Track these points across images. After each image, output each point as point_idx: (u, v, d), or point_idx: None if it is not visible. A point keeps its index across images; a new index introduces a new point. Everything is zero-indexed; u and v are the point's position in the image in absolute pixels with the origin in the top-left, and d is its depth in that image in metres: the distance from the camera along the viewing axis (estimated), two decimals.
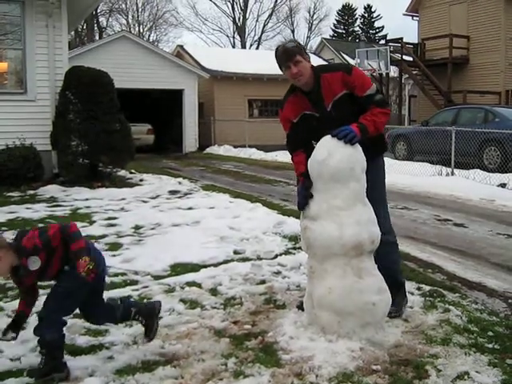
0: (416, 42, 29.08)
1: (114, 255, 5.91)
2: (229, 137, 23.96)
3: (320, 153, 3.75)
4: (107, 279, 5.02)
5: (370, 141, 3.87)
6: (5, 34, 11.74)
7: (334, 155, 3.66)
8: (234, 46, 52.87)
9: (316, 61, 29.07)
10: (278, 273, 5.27)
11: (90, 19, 45.13)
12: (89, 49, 22.00)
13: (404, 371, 3.35)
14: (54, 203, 9.12)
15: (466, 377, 3.30)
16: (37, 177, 10.71)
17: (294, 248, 6.15)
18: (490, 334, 3.91)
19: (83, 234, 6.64)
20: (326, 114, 3.98)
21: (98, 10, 47.27)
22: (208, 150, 23.84)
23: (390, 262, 4.20)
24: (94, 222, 7.64)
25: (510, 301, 4.82)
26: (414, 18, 30.20)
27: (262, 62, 26.59)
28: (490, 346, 3.72)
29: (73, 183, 10.64)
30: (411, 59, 27.31)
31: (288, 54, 4.05)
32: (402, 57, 26.83)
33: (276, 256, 5.88)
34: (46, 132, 11.01)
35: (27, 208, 8.63)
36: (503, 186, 11.31)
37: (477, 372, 3.35)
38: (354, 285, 3.68)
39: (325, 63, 29.32)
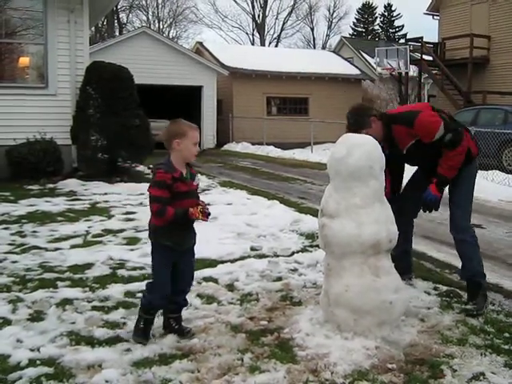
0: (436, 41, 28.84)
1: (132, 249, 5.96)
2: (247, 134, 23.98)
3: (339, 151, 3.76)
4: (125, 273, 5.11)
5: None
6: (26, 29, 11.89)
7: (352, 153, 3.66)
8: (253, 44, 52.88)
9: (335, 59, 29.09)
10: (295, 270, 5.29)
11: (111, 15, 45.36)
12: (109, 44, 22.11)
13: (419, 370, 3.35)
14: (73, 197, 9.21)
15: (481, 377, 3.30)
16: (56, 171, 10.81)
17: (311, 246, 6.17)
18: (507, 335, 3.90)
19: (102, 228, 6.75)
20: (404, 156, 4.54)
21: (119, 6, 47.53)
22: (226, 146, 23.88)
23: (465, 259, 4.53)
24: (113, 216, 7.71)
25: None
26: (435, 17, 29.97)
27: (281, 59, 26.64)
28: (507, 347, 3.71)
29: (92, 177, 10.74)
30: (431, 59, 27.10)
31: (354, 129, 4.29)
32: (421, 56, 26.64)
33: (293, 253, 5.89)
34: (66, 126, 11.09)
35: (46, 201, 8.72)
36: None
37: (492, 373, 3.35)
38: (372, 283, 3.69)
39: (345, 62, 29.26)
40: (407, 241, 4.91)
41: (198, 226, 7.19)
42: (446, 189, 4.57)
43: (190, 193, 3.71)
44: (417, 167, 4.92)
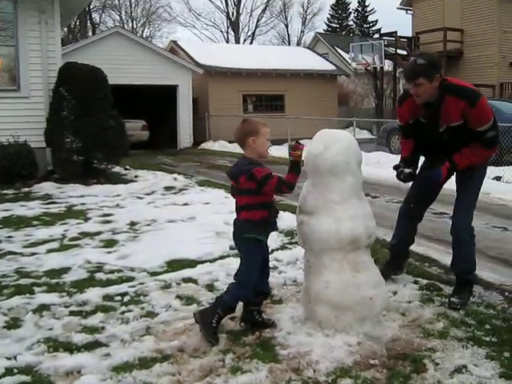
0: (410, 35, 29.07)
1: (110, 252, 5.89)
2: (224, 132, 23.85)
3: (316, 146, 3.74)
4: (103, 276, 5.05)
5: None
6: None
7: (330, 149, 3.64)
8: (227, 41, 52.74)
9: (310, 55, 29.11)
10: (275, 268, 5.24)
11: (83, 15, 44.92)
12: (82, 45, 21.85)
13: (402, 365, 3.35)
14: (49, 200, 9.08)
15: (463, 370, 3.31)
16: (31, 174, 10.65)
17: (290, 243, 6.14)
18: (488, 327, 3.92)
19: (78, 231, 6.67)
20: (437, 134, 4.19)
21: (91, 6, 47.03)
22: (203, 145, 23.78)
23: (460, 258, 4.44)
24: (89, 218, 7.62)
25: (506, 294, 4.81)
26: (408, 11, 30.20)
27: (256, 56, 26.62)
28: (488, 339, 3.73)
29: (67, 180, 10.60)
30: (405, 53, 27.29)
31: (412, 73, 4.08)
32: (396, 51, 26.83)
33: (272, 251, 5.83)
34: (40, 129, 10.93)
35: (21, 205, 8.59)
36: (498, 179, 11.34)
37: (474, 365, 3.36)
38: (351, 279, 3.68)
39: (320, 58, 29.33)
40: (409, 242, 5.01)
41: (176, 226, 7.18)
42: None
43: None
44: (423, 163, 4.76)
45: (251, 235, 3.70)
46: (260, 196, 3.66)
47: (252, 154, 3.74)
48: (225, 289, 4.62)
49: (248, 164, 3.68)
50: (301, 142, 3.67)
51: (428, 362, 3.39)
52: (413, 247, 6.07)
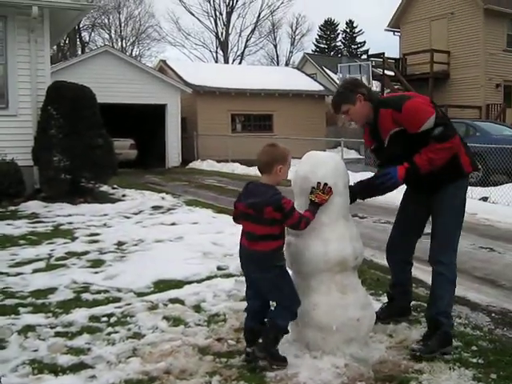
0: (397, 56, 29.38)
1: (97, 272, 5.85)
2: (212, 151, 23.92)
3: (303, 168, 3.75)
4: (89, 297, 5.01)
5: (441, 167, 3.81)
6: None
7: (317, 171, 3.66)
8: (216, 61, 53.00)
9: (298, 75, 29.29)
10: None
11: (73, 34, 45.09)
12: (71, 64, 21.88)
13: None
14: (36, 219, 9.03)
15: None
16: (18, 193, 10.58)
17: None
18: (474, 348, 3.92)
19: (65, 251, 6.62)
20: (383, 146, 4.02)
21: (81, 25, 47.20)
22: (191, 164, 23.78)
23: (435, 295, 3.99)
24: (76, 238, 7.58)
25: (493, 315, 4.83)
26: (396, 33, 30.58)
27: (245, 76, 26.76)
28: (474, 360, 3.73)
29: (55, 199, 10.54)
30: (393, 74, 27.56)
31: (335, 105, 4.08)
32: (383, 71, 27.09)
33: None
34: (28, 147, 10.89)
35: (8, 224, 8.53)
36: (485, 199, 11.42)
37: None
38: (339, 301, 3.68)
39: (308, 78, 29.52)
40: (404, 280, 4.45)
41: (164, 246, 7.15)
42: None
43: None
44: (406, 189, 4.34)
45: (282, 262, 3.64)
46: (280, 226, 3.58)
47: (273, 181, 3.60)
48: (213, 310, 4.64)
49: (275, 194, 3.51)
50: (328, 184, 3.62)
51: (415, 383, 3.38)
52: None
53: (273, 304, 3.78)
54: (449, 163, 3.82)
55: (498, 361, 3.72)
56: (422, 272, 6.14)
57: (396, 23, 29.97)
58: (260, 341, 3.58)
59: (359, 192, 4.07)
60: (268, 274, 3.58)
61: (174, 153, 23.81)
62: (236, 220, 3.83)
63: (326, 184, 3.63)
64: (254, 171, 20.10)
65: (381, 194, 4.20)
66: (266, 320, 3.70)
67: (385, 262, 6.55)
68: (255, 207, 3.55)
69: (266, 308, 3.73)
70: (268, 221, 3.52)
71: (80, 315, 4.50)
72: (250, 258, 3.66)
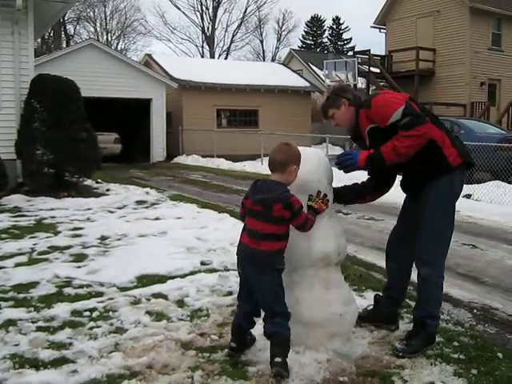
0: (383, 54, 29.48)
1: (79, 266, 5.81)
2: (197, 146, 23.88)
3: None
4: (71, 291, 4.98)
5: (422, 162, 3.73)
6: None
7: (301, 168, 3.65)
8: (202, 56, 52.89)
9: (284, 71, 29.31)
10: None
11: (58, 27, 44.67)
12: (55, 57, 21.72)
13: (370, 382, 3.37)
14: (18, 213, 8.95)
15: None
16: (1, 186, 10.45)
17: None
18: (456, 344, 3.95)
19: (48, 245, 6.58)
20: (366, 146, 3.96)
21: (66, 18, 46.86)
22: (176, 159, 23.73)
23: (421, 299, 3.95)
24: (59, 232, 7.52)
25: (475, 311, 4.88)
26: (382, 30, 30.68)
27: (231, 71, 26.71)
28: (456, 356, 3.75)
29: (38, 193, 10.47)
30: (378, 71, 27.66)
31: (323, 111, 4.07)
32: (369, 68, 27.19)
33: None
34: (11, 140, 10.80)
35: None
36: (468, 196, 11.50)
37: (442, 382, 3.39)
38: (322, 296, 3.68)
39: (294, 74, 29.54)
40: (398, 289, 4.31)
41: (147, 241, 7.13)
42: None
43: None
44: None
45: (283, 266, 3.55)
46: (286, 226, 3.52)
47: (285, 180, 3.53)
48: (196, 305, 4.63)
49: (285, 192, 3.46)
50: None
51: (397, 379, 3.40)
52: (383, 264, 6.06)
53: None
54: (429, 156, 3.73)
55: (479, 356, 3.75)
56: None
57: (382, 20, 30.07)
58: (278, 360, 3.35)
59: (340, 195, 4.04)
60: (266, 276, 3.47)
61: (158, 147, 23.74)
62: (242, 219, 3.70)
63: (325, 195, 3.63)
64: (239, 166, 20.14)
65: (362, 201, 4.24)
66: (255, 319, 3.68)
67: (368, 258, 6.67)
68: (264, 203, 3.46)
69: (257, 309, 3.62)
70: (275, 219, 3.44)
71: (62, 310, 4.46)
72: (252, 258, 3.51)
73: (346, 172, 3.86)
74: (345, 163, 3.82)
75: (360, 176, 4.21)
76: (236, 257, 3.64)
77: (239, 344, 3.67)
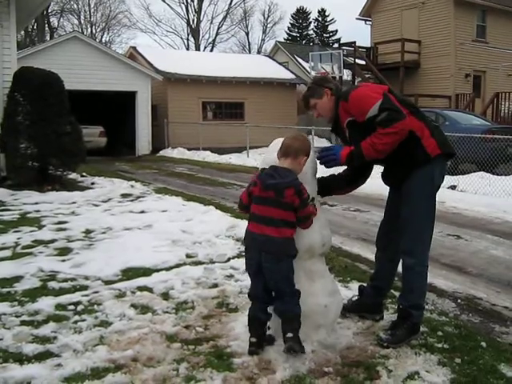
0: (369, 46, 29.50)
1: (64, 260, 5.78)
2: (182, 139, 23.83)
3: (270, 156, 3.74)
4: (56, 285, 4.95)
5: (401, 153, 3.71)
6: None
7: None
8: (188, 48, 52.70)
9: (270, 64, 29.24)
10: (231, 276, 5.25)
11: (41, 19, 44.33)
12: (38, 49, 21.53)
13: (355, 372, 3.37)
14: (2, 207, 8.87)
15: (416, 376, 3.36)
16: None
17: None
18: (440, 333, 3.98)
19: (32, 239, 6.53)
20: (347, 141, 3.96)
21: (49, 10, 46.51)
22: (161, 152, 23.66)
23: (406, 288, 3.93)
24: (44, 226, 7.46)
25: (459, 301, 4.91)
26: (367, 22, 30.69)
27: (216, 64, 26.62)
28: (440, 345, 3.78)
29: (22, 187, 10.39)
30: (364, 63, 27.68)
31: (304, 101, 4.04)
32: (355, 60, 27.19)
33: (229, 259, 5.85)
34: None
35: None
36: (453, 187, 11.56)
37: (427, 371, 3.41)
38: (307, 288, 3.68)
39: (280, 67, 29.50)
40: (384, 279, 4.29)
41: (132, 234, 7.10)
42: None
43: None
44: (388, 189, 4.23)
45: (295, 252, 3.56)
46: (295, 214, 3.51)
47: (294, 168, 3.55)
48: (181, 297, 4.62)
49: (296, 178, 3.50)
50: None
51: (381, 369, 3.42)
52: (368, 255, 6.16)
53: None
54: (408, 147, 3.71)
55: (463, 346, 3.78)
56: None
57: (367, 12, 30.07)
58: (290, 335, 3.42)
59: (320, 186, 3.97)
60: (282, 263, 3.49)
61: (144, 140, 23.65)
62: (245, 208, 3.70)
63: (313, 198, 3.65)
64: (225, 159, 20.11)
65: (339, 193, 4.23)
66: (272, 310, 3.63)
67: (353, 250, 6.70)
68: (276, 188, 3.46)
69: (270, 295, 3.61)
70: (286, 205, 3.45)
71: (46, 304, 4.44)
72: (266, 245, 3.47)
73: (327, 167, 3.87)
74: (327, 158, 3.82)
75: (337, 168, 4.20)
76: (245, 246, 3.68)
77: (259, 338, 3.58)
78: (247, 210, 3.66)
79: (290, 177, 3.49)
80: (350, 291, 4.78)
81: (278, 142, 3.79)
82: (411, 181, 3.79)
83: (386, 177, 4.04)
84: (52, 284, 4.99)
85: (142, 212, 8.60)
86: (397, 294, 4.55)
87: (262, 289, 3.59)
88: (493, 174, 12.24)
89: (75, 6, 51.00)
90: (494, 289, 5.34)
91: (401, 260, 3.97)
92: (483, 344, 3.81)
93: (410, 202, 3.82)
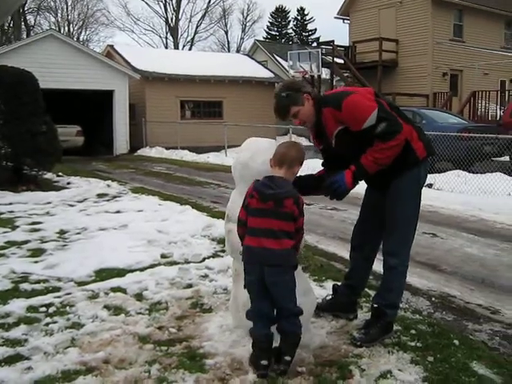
0: (347, 44, 29.60)
1: (36, 261, 5.70)
2: (161, 138, 23.72)
3: (243, 155, 3.72)
4: (28, 287, 4.88)
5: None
6: None
7: (256, 158, 3.62)
8: (166, 47, 52.46)
9: (249, 62, 29.22)
10: (206, 276, 5.22)
11: (17, 17, 43.82)
12: (14, 47, 21.28)
13: (329, 372, 3.37)
14: None
15: (388, 375, 3.36)
16: None
17: (222, 251, 6.08)
18: (413, 332, 3.99)
19: (5, 240, 6.45)
20: (331, 146, 3.85)
21: (26, 8, 46.01)
22: (139, 151, 23.52)
23: (384, 287, 3.93)
24: (17, 227, 7.37)
25: (433, 299, 4.94)
26: (345, 21, 30.80)
27: (195, 62, 26.54)
28: (413, 344, 3.79)
29: None
30: (342, 62, 27.76)
31: (283, 109, 3.79)
32: (333, 59, 27.24)
33: (204, 259, 5.82)
34: None
35: None
36: (430, 186, 11.62)
37: (399, 370, 3.42)
38: None
39: (259, 65, 29.49)
40: (358, 278, 4.29)
41: (107, 234, 7.04)
42: None
43: None
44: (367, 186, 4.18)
45: (297, 262, 3.49)
46: (294, 224, 3.40)
47: (287, 177, 3.47)
48: (155, 298, 4.58)
49: (293, 188, 3.44)
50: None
51: (354, 368, 3.41)
52: (344, 254, 6.14)
53: None
54: (404, 148, 3.68)
55: (436, 344, 3.79)
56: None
57: (346, 11, 30.18)
58: (288, 358, 3.33)
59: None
60: (287, 275, 3.37)
61: (121, 140, 23.50)
62: (244, 225, 3.46)
63: None
64: (203, 158, 20.05)
65: (316, 193, 4.09)
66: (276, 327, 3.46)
67: (329, 248, 6.69)
68: (276, 198, 3.35)
69: (272, 309, 3.46)
70: (286, 215, 3.35)
71: (17, 306, 4.37)
72: (267, 258, 3.33)
73: (340, 200, 3.80)
74: (336, 193, 3.74)
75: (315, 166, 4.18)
76: (244, 264, 3.47)
77: (269, 360, 3.35)
78: (246, 227, 3.46)
79: (288, 186, 3.41)
80: (325, 290, 4.78)
81: (250, 141, 3.77)
82: (399, 184, 3.79)
83: (371, 179, 3.94)
84: (24, 286, 4.93)
85: (118, 212, 8.53)
86: (371, 292, 4.58)
87: (267, 306, 3.42)
88: (469, 172, 12.33)
89: (52, 3, 50.56)
90: (468, 286, 5.38)
91: (383, 260, 3.92)
92: (456, 342, 3.83)
93: (398, 205, 3.82)
